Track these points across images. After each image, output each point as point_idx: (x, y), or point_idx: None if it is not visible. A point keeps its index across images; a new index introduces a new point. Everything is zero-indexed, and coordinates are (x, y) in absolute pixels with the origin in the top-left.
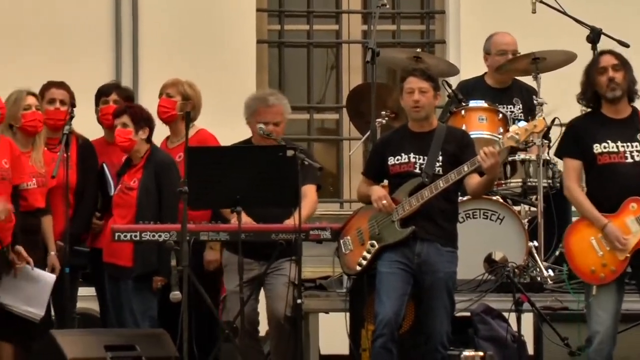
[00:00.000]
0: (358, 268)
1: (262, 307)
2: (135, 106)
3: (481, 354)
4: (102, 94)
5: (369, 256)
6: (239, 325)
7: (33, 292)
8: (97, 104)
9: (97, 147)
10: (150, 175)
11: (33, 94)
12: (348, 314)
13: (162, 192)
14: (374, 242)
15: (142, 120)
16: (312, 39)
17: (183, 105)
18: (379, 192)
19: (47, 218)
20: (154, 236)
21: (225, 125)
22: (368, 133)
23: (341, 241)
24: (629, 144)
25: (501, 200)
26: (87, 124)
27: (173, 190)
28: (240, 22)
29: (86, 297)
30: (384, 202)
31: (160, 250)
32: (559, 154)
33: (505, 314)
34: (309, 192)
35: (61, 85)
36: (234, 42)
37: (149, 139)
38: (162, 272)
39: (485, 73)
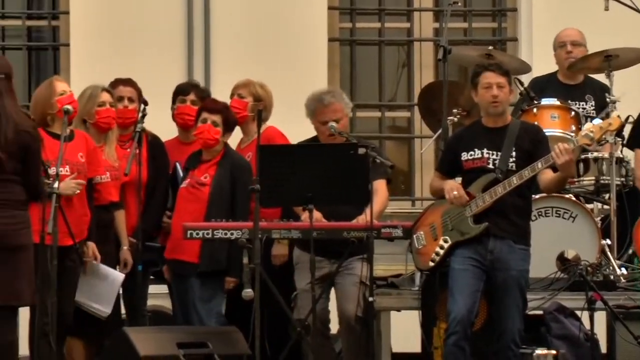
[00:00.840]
0: (431, 264)
1: (333, 305)
2: (229, 108)
3: (554, 352)
4: (179, 93)
5: (442, 252)
6: (310, 324)
7: (102, 289)
8: (173, 102)
9: (170, 147)
10: (226, 174)
11: (107, 91)
12: (420, 311)
13: (237, 192)
14: (447, 237)
15: (232, 124)
16: (383, 36)
17: (254, 106)
18: (451, 183)
19: (120, 212)
20: (226, 234)
21: (297, 123)
22: (440, 131)
23: (414, 236)
24: None
25: (574, 199)
26: (158, 123)
27: (247, 189)
28: (312, 20)
29: (157, 295)
30: (455, 192)
31: (231, 249)
32: (630, 144)
33: (578, 313)
34: (379, 187)
35: (128, 82)
36: (306, 40)
37: None
38: (233, 272)
39: (558, 70)
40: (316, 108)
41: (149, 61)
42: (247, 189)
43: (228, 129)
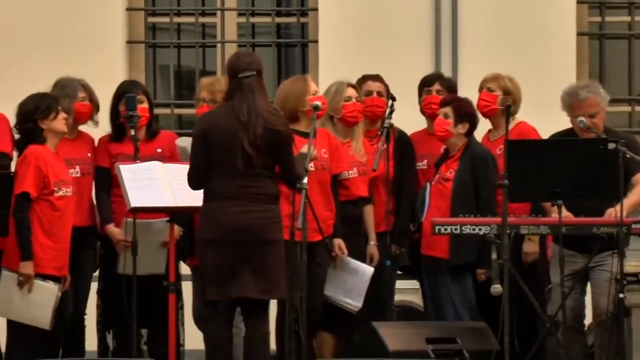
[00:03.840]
0: None
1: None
2: (461, 100)
3: None
4: (425, 84)
5: None
6: (560, 319)
7: (352, 283)
8: (420, 94)
9: (419, 138)
10: (467, 167)
11: (353, 86)
12: None
13: (479, 184)
14: None
15: (465, 114)
16: (633, 30)
17: (504, 100)
18: None
19: (369, 207)
20: (474, 229)
21: (545, 118)
22: None
23: None
24: None
25: None
26: (406, 118)
27: (489, 182)
28: (561, 14)
29: (405, 290)
30: None
31: (479, 242)
32: None
33: None
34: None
35: (377, 77)
36: (554, 34)
37: (468, 133)
38: (484, 264)
39: None
40: (572, 103)
41: (396, 57)
42: (488, 180)
43: (461, 119)
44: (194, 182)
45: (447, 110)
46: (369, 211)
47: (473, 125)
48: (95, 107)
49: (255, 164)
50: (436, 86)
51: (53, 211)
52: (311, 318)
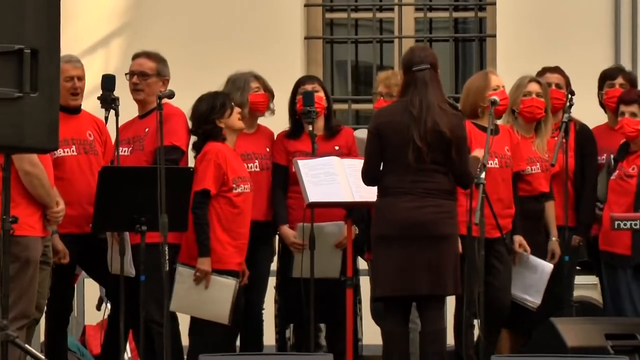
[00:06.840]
0: None
1: None
2: None
3: None
4: (607, 77)
5: None
6: None
7: (531, 280)
8: (600, 87)
9: (600, 132)
10: None
11: (537, 81)
12: None
13: None
14: None
15: None
16: None
17: None
18: None
19: (550, 203)
20: None
21: None
22: None
23: None
24: None
25: None
26: (586, 110)
27: None
28: None
29: (584, 286)
30: None
31: None
32: None
33: None
34: None
35: (555, 69)
36: None
37: None
38: None
39: None
40: None
41: (575, 51)
42: None
43: None
44: (368, 177)
45: (634, 109)
46: (550, 207)
47: None
48: (270, 95)
49: (426, 158)
50: (619, 80)
51: (232, 208)
52: (498, 316)
